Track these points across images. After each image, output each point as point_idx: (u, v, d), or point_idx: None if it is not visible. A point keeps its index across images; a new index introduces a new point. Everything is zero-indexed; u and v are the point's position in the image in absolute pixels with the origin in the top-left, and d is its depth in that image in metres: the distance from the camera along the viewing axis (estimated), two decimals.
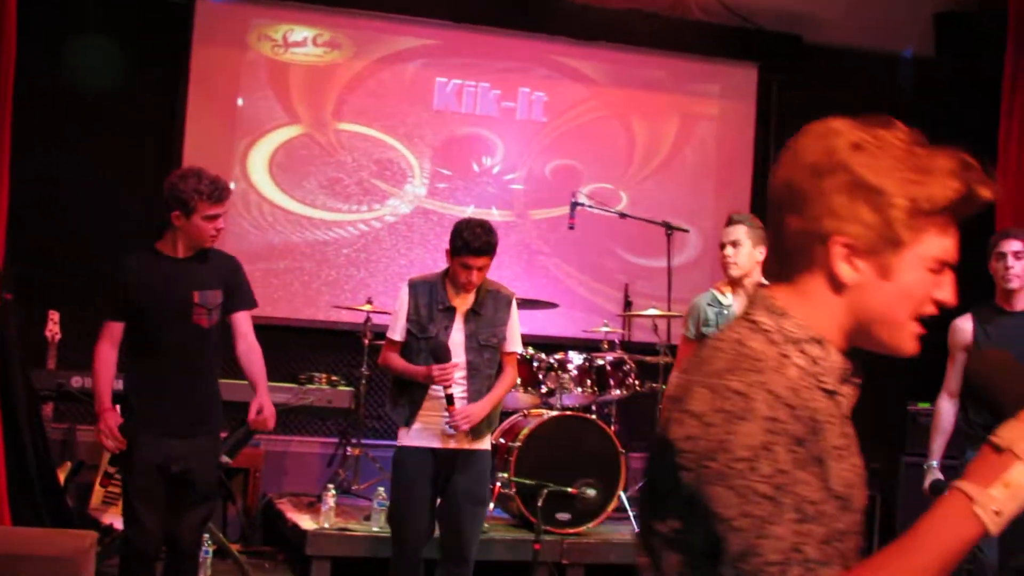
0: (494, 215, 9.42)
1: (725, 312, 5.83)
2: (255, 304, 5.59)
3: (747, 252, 5.81)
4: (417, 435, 5.75)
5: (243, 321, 5.48)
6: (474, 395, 5.76)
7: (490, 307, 5.82)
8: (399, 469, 5.83)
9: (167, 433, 5.26)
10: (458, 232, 5.70)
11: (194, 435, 5.33)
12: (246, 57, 9.16)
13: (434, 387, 5.71)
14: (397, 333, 5.82)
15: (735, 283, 5.88)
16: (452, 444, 5.75)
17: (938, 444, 5.96)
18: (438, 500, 5.83)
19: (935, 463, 5.95)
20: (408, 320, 5.78)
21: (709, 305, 5.89)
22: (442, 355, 5.63)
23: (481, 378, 5.79)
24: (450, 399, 5.61)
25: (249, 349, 5.48)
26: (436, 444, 5.74)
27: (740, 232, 5.82)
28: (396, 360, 5.82)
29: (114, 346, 5.36)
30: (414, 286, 5.85)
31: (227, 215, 5.38)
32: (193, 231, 5.26)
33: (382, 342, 8.35)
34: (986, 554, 5.73)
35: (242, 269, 5.56)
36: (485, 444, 5.90)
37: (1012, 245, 5.80)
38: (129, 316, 5.29)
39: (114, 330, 5.33)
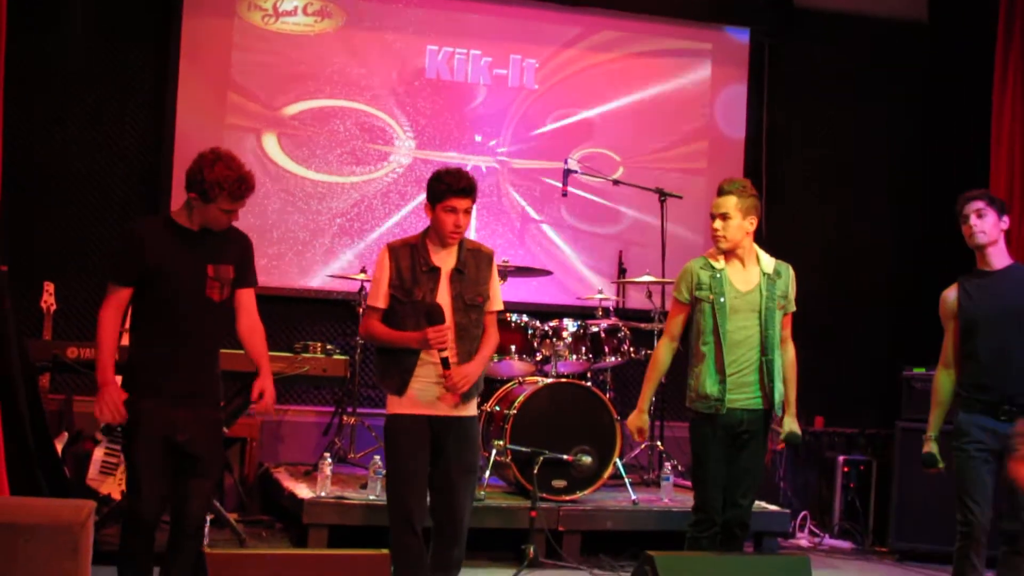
0: (487, 183, 9.42)
1: (718, 276, 5.83)
2: (255, 283, 5.51)
3: (736, 224, 5.81)
4: (410, 403, 5.64)
5: (248, 297, 5.41)
6: (464, 356, 5.65)
7: (472, 266, 5.71)
8: (395, 439, 5.71)
9: (172, 403, 5.20)
10: (437, 178, 5.62)
11: (197, 406, 5.26)
12: (236, 27, 9.13)
13: (425, 352, 5.60)
14: (380, 300, 5.66)
15: (726, 254, 5.89)
16: (444, 411, 5.66)
17: (936, 416, 6.00)
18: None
19: (932, 434, 5.99)
20: (391, 285, 5.63)
21: (703, 269, 5.89)
22: (437, 317, 5.51)
23: (469, 339, 5.67)
24: (445, 362, 5.52)
25: (253, 326, 5.44)
26: (430, 411, 5.64)
27: (730, 204, 5.81)
28: (381, 328, 5.66)
29: (119, 312, 5.24)
30: (394, 250, 5.70)
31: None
32: (208, 216, 5.23)
33: None
34: (979, 517, 5.77)
35: (252, 247, 5.51)
36: (474, 410, 5.82)
37: (975, 205, 5.89)
38: (139, 282, 5.19)
39: (121, 296, 5.21)
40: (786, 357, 5.94)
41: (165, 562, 5.37)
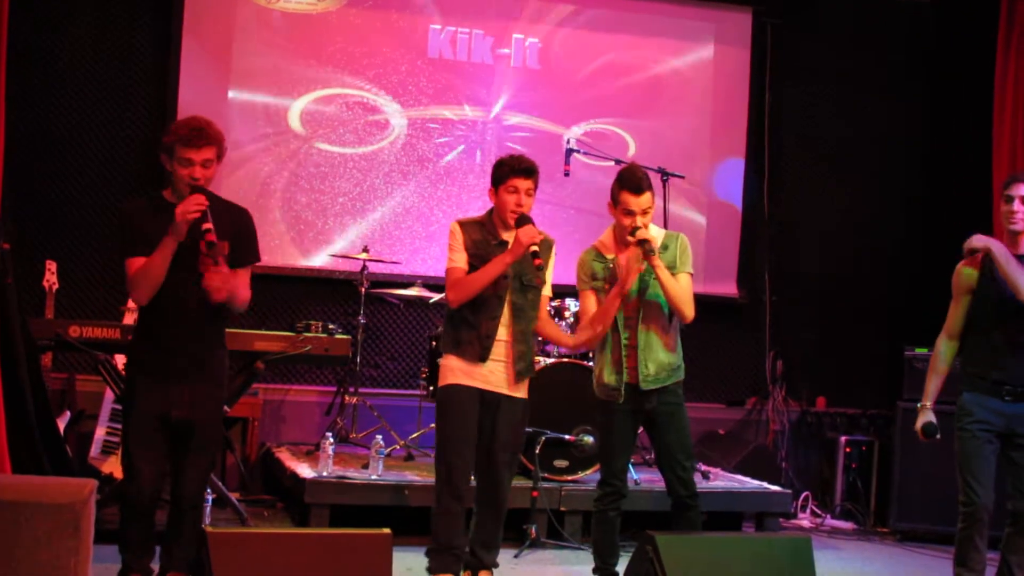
0: (489, 162, 9.39)
1: (611, 267, 5.85)
2: (258, 258, 5.57)
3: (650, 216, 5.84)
4: (467, 375, 5.82)
5: (242, 275, 5.43)
6: (517, 335, 5.86)
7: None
8: (449, 407, 5.86)
9: (169, 378, 5.28)
10: (500, 162, 5.91)
11: (195, 381, 5.33)
12: (239, 7, 9.09)
13: (501, 329, 5.81)
14: (461, 262, 5.84)
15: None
16: (499, 388, 5.84)
17: (934, 385, 5.96)
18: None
19: (928, 404, 5.96)
20: (468, 252, 5.84)
21: (595, 260, 5.91)
22: (525, 220, 5.76)
23: (525, 319, 5.88)
24: (536, 254, 5.70)
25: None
26: (485, 386, 5.83)
27: (650, 200, 5.81)
28: (472, 275, 5.79)
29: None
30: (464, 225, 5.93)
31: (216, 165, 5.30)
32: (176, 174, 5.26)
33: (379, 291, 8.43)
34: (982, 497, 5.77)
35: (252, 222, 5.55)
36: (525, 392, 5.98)
37: (1021, 189, 5.82)
38: (145, 251, 5.21)
39: (138, 265, 5.25)
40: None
41: (165, 539, 5.44)
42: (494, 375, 5.83)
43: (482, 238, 5.86)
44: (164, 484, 5.45)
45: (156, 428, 5.29)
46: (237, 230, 5.43)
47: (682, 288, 5.79)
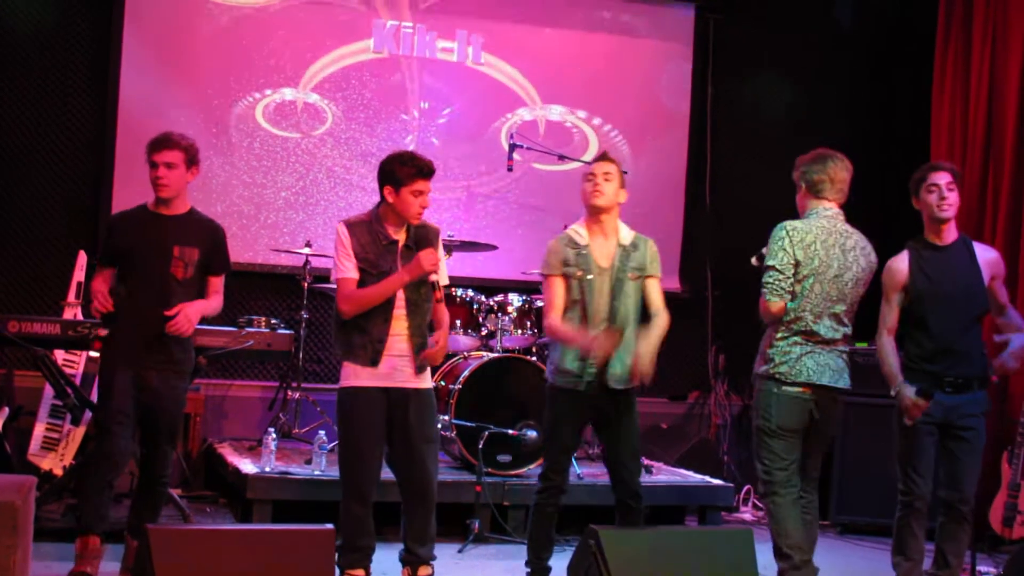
0: (435, 158, 9.37)
1: (583, 253, 5.83)
2: (230, 268, 6.17)
3: (614, 189, 5.86)
4: (369, 375, 5.74)
5: (216, 284, 6.07)
6: (414, 330, 5.78)
7: (422, 241, 5.83)
8: (350, 410, 5.79)
9: (142, 366, 5.81)
10: (403, 161, 5.80)
11: (164, 371, 5.85)
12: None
13: (395, 321, 5.76)
14: (351, 271, 5.75)
15: (593, 222, 5.91)
16: (403, 383, 5.77)
17: (894, 368, 5.91)
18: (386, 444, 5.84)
19: (901, 379, 5.88)
20: (357, 257, 5.75)
21: (567, 246, 5.87)
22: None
23: (421, 313, 5.81)
24: (434, 285, 5.78)
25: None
26: (389, 383, 5.75)
27: (613, 168, 5.88)
28: (365, 290, 5.73)
29: (104, 283, 5.87)
30: (351, 226, 5.83)
31: (182, 169, 5.89)
32: (151, 177, 5.89)
33: (322, 285, 8.39)
34: (921, 488, 5.85)
35: (224, 237, 6.10)
36: (430, 382, 5.93)
37: (943, 177, 5.90)
38: (116, 262, 5.90)
39: (104, 273, 5.93)
40: (653, 324, 5.88)
41: (134, 504, 6.07)
42: (397, 371, 5.76)
43: (370, 239, 5.78)
44: (130, 453, 6.11)
45: (130, 406, 5.81)
46: (213, 244, 6.01)
47: (662, 330, 5.83)
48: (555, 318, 5.83)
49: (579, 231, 5.90)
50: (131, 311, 5.81)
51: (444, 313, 5.97)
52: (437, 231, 5.99)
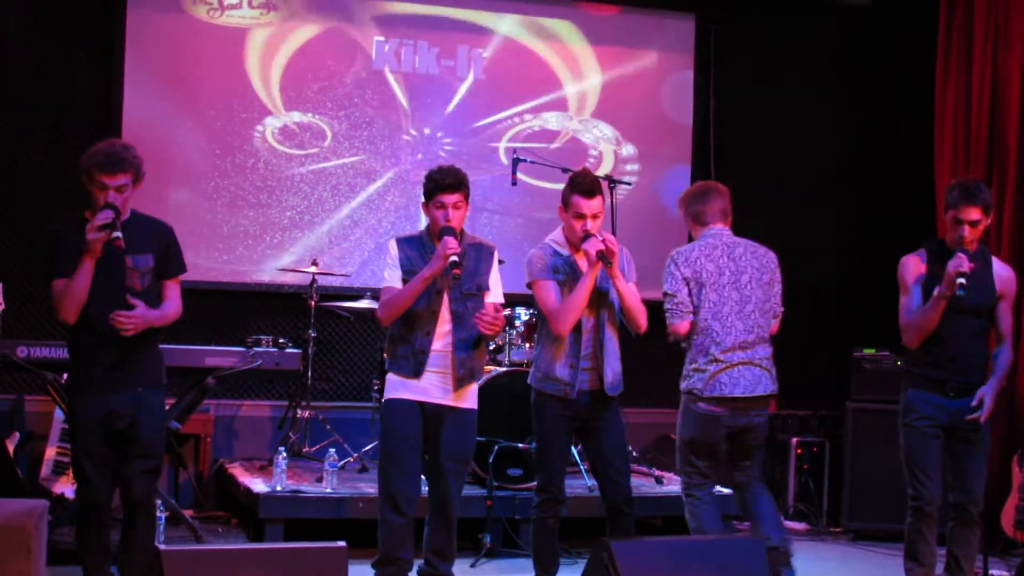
0: None
1: (568, 261, 5.88)
2: (185, 269, 5.72)
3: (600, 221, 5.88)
4: (409, 388, 5.79)
5: (172, 288, 5.62)
6: (459, 343, 5.80)
7: (472, 258, 5.86)
8: (390, 421, 5.84)
9: (108, 388, 5.41)
10: (428, 177, 5.85)
11: (135, 387, 5.47)
12: (182, 21, 9.06)
13: (437, 342, 5.76)
14: (391, 280, 5.81)
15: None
16: (441, 399, 5.80)
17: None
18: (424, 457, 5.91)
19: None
20: (403, 270, 5.80)
21: (552, 256, 5.91)
22: (446, 232, 5.68)
23: (466, 327, 5.81)
24: (455, 264, 5.60)
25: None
26: (427, 399, 5.79)
27: (602, 205, 5.87)
28: (396, 294, 5.75)
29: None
30: (400, 241, 5.91)
31: (131, 188, 5.50)
32: (92, 195, 5.44)
33: (329, 304, 8.41)
34: (931, 491, 5.86)
35: (174, 236, 5.69)
36: (472, 402, 5.93)
37: (971, 214, 5.84)
38: (71, 273, 5.33)
39: (60, 286, 5.38)
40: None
41: (121, 549, 5.56)
42: (433, 387, 5.79)
43: (418, 253, 5.84)
44: (113, 491, 5.58)
45: (100, 439, 5.42)
46: (163, 245, 5.61)
47: (638, 298, 5.84)
48: (557, 306, 5.85)
49: (559, 243, 5.97)
50: (89, 331, 5.40)
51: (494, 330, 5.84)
52: (492, 249, 6.04)
